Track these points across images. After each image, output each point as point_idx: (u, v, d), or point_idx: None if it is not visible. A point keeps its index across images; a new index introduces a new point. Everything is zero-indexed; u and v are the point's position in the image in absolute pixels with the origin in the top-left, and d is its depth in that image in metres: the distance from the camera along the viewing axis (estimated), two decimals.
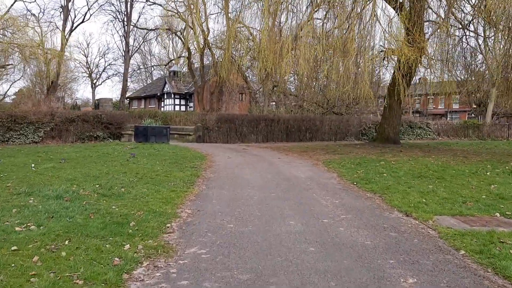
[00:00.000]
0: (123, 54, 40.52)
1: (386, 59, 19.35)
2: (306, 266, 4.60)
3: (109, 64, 69.35)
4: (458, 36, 21.46)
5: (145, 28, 40.87)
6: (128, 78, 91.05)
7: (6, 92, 66.71)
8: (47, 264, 4.29)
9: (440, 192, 8.73)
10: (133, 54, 43.15)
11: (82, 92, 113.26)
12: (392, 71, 21.50)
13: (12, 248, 4.64)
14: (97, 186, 8.57)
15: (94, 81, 68.15)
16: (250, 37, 37.19)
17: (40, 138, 20.59)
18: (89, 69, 67.81)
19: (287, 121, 27.83)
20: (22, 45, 20.95)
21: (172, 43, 56.22)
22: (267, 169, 12.26)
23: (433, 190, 8.86)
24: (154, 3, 42.73)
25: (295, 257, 4.86)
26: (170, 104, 50.29)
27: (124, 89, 39.25)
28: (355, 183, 9.94)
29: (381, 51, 19.45)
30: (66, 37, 36.05)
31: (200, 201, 7.76)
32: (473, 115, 65.25)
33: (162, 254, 4.85)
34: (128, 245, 5.01)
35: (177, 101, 50.71)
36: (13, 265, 4.19)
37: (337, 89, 16.96)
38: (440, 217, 6.95)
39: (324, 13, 18.66)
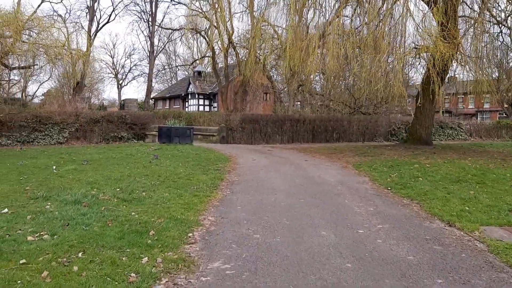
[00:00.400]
0: (148, 54, 40.62)
1: (419, 56, 18.49)
2: (344, 286, 4.07)
3: (134, 65, 69.94)
4: (493, 32, 20.42)
5: (169, 28, 40.93)
6: (153, 79, 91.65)
7: (35, 93, 68.21)
8: (56, 280, 3.90)
9: (483, 198, 8.01)
10: (158, 54, 43.31)
11: (109, 92, 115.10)
12: (424, 69, 20.63)
13: (21, 261, 4.28)
14: (118, 189, 8.23)
15: (120, 81, 68.95)
16: (275, 36, 36.70)
17: (65, 139, 20.61)
18: (115, 70, 68.65)
19: (313, 121, 27.18)
20: (47, 45, 21.01)
21: (197, 43, 56.22)
22: (294, 172, 11.72)
23: (475, 197, 8.15)
24: (179, 3, 42.81)
25: (330, 275, 4.33)
26: (194, 105, 50.29)
27: (149, 89, 39.34)
28: (389, 188, 9.29)
29: (414, 48, 18.61)
30: (92, 37, 36.37)
31: (224, 207, 7.30)
32: (504, 115, 62.98)
33: (182, 269, 4.40)
34: (146, 258, 4.58)
35: (201, 102, 50.68)
36: (19, 281, 3.81)
37: (367, 87, 16.20)
38: (487, 228, 6.28)
39: (353, 10, 17.97)
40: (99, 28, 36.74)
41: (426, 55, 19.64)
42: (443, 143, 26.29)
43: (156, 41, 47.73)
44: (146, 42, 41.86)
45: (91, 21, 37.11)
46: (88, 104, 35.49)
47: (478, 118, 63.68)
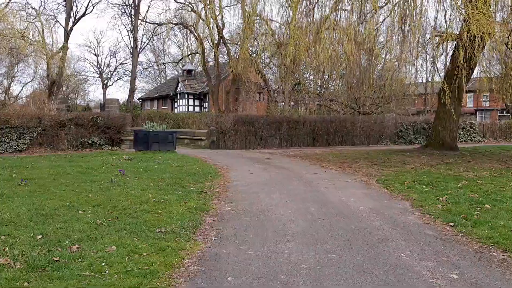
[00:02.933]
0: (131, 51, 37.36)
1: (445, 43, 15.61)
2: None
3: (120, 64, 66.45)
4: None
5: (154, 23, 37.67)
6: (141, 78, 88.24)
7: (18, 94, 64.67)
8: None
9: None
10: (142, 51, 40.00)
11: (94, 93, 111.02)
12: (445, 60, 17.77)
13: None
14: (39, 237, 5.18)
15: (105, 81, 65.53)
16: (269, 32, 34.03)
17: (25, 146, 17.39)
18: (100, 69, 65.25)
19: (313, 122, 24.19)
20: (7, 36, 17.83)
21: (187, 41, 53.12)
22: (305, 193, 8.68)
23: None
24: None
25: None
26: (183, 105, 47.22)
27: (132, 88, 36.09)
28: (451, 224, 6.28)
29: (438, 35, 15.72)
30: (69, 31, 33.05)
31: (203, 278, 4.24)
32: (505, 113, 60.99)
33: None
34: None
35: (191, 102, 47.64)
36: None
37: (387, 81, 13.25)
38: None
39: None
40: (76, 21, 33.36)
41: (442, 47, 16.87)
42: (460, 146, 23.43)
43: (142, 37, 44.65)
44: (129, 38, 38.45)
45: (68, 14, 33.74)
46: (67, 106, 32.07)
47: (478, 117, 61.67)
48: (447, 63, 15.46)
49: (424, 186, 9.13)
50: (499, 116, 61.01)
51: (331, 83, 41.45)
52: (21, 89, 78.68)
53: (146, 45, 40.43)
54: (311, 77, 40.05)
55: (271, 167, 12.75)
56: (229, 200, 7.90)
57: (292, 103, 41.84)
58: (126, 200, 7.47)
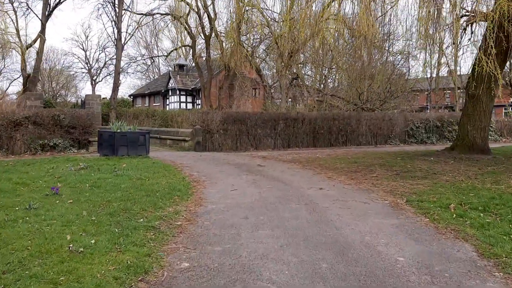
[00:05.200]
0: (115, 42, 34.33)
1: (475, 23, 12.81)
2: None
3: (110, 59, 63.35)
4: None
5: (141, 13, 34.66)
6: (133, 74, 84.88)
7: (6, 90, 61.57)
8: None
9: None
10: (127, 42, 36.90)
11: (83, 90, 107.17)
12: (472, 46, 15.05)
13: None
14: None
15: (94, 77, 62.45)
16: (264, 21, 31.30)
17: None
18: (88, 64, 62.16)
19: (314, 120, 21.34)
20: None
21: (181, 36, 50.06)
22: (309, 227, 5.84)
23: None
24: None
25: None
26: (175, 102, 44.40)
27: (116, 83, 33.12)
28: None
29: (465, 15, 12.94)
30: (44, 20, 30.03)
31: None
32: (511, 110, 58.96)
33: None
34: None
35: (183, 98, 44.82)
36: None
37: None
38: None
39: None
40: (51, 9, 30.37)
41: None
42: None
43: (129, 29, 41.82)
44: (113, 29, 35.47)
45: (45, 3, 30.73)
46: (42, 102, 29.04)
47: None
48: (479, 48, 12.64)
49: (481, 214, 6.31)
50: (504, 112, 58.60)
51: (330, 79, 38.76)
52: (9, 86, 75.69)
53: (131, 37, 37.34)
54: (309, 72, 37.36)
55: (262, 179, 9.90)
56: (192, 245, 5.05)
57: (290, 99, 39.09)
58: (26, 246, 4.65)
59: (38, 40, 31.11)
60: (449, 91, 56.37)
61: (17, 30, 30.51)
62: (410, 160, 12.89)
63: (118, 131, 12.90)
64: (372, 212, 6.71)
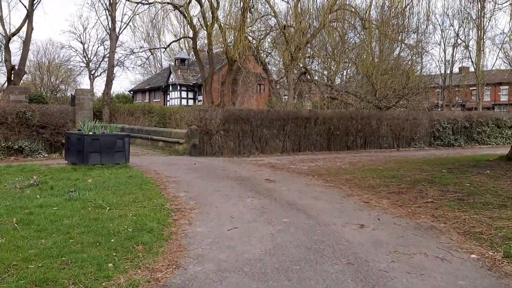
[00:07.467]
0: (109, 33, 31.58)
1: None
2: None
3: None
4: None
5: (136, 2, 31.80)
6: (131, 68, 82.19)
7: (3, 85, 58.99)
8: None
9: None
10: (121, 32, 34.25)
11: (82, 85, 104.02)
12: None
13: None
14: None
15: (92, 71, 59.76)
16: (270, 11, 28.89)
17: None
18: (87, 58, 59.47)
19: (329, 120, 18.48)
20: None
21: (184, 30, 47.26)
22: None
23: None
24: None
25: None
26: (176, 98, 41.72)
27: (110, 77, 30.38)
28: None
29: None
30: (31, 8, 27.32)
31: None
32: None
33: None
34: None
35: (184, 94, 42.13)
36: None
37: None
38: None
39: None
40: None
41: None
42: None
43: (119, 16, 38.94)
44: (107, 18, 32.70)
45: None
46: (27, 97, 26.34)
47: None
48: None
49: None
50: None
51: (342, 73, 36.05)
52: (5, 82, 73.06)
53: (126, 26, 34.88)
54: (317, 67, 34.61)
55: (274, 205, 7.11)
56: None
57: (296, 97, 36.26)
58: None
59: (25, 28, 28.45)
60: (461, 89, 53.73)
61: (1, 17, 27.90)
62: (461, 173, 10.05)
63: (90, 133, 10.13)
64: (465, 284, 3.92)
